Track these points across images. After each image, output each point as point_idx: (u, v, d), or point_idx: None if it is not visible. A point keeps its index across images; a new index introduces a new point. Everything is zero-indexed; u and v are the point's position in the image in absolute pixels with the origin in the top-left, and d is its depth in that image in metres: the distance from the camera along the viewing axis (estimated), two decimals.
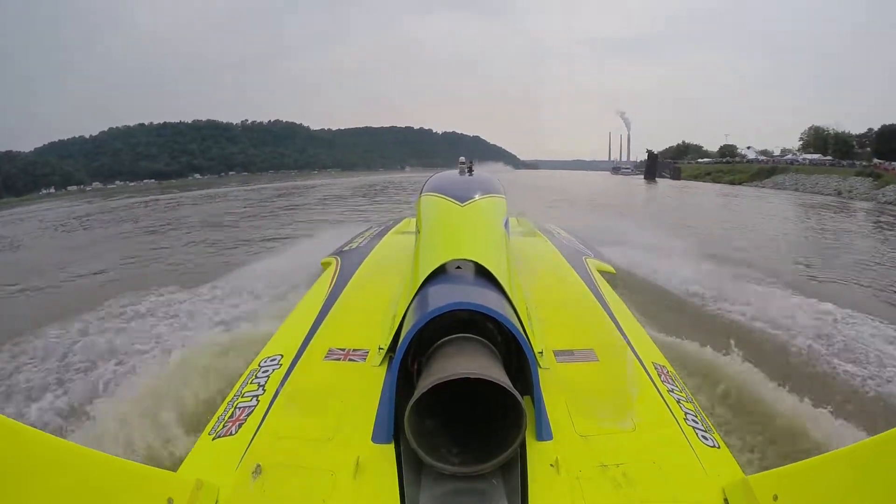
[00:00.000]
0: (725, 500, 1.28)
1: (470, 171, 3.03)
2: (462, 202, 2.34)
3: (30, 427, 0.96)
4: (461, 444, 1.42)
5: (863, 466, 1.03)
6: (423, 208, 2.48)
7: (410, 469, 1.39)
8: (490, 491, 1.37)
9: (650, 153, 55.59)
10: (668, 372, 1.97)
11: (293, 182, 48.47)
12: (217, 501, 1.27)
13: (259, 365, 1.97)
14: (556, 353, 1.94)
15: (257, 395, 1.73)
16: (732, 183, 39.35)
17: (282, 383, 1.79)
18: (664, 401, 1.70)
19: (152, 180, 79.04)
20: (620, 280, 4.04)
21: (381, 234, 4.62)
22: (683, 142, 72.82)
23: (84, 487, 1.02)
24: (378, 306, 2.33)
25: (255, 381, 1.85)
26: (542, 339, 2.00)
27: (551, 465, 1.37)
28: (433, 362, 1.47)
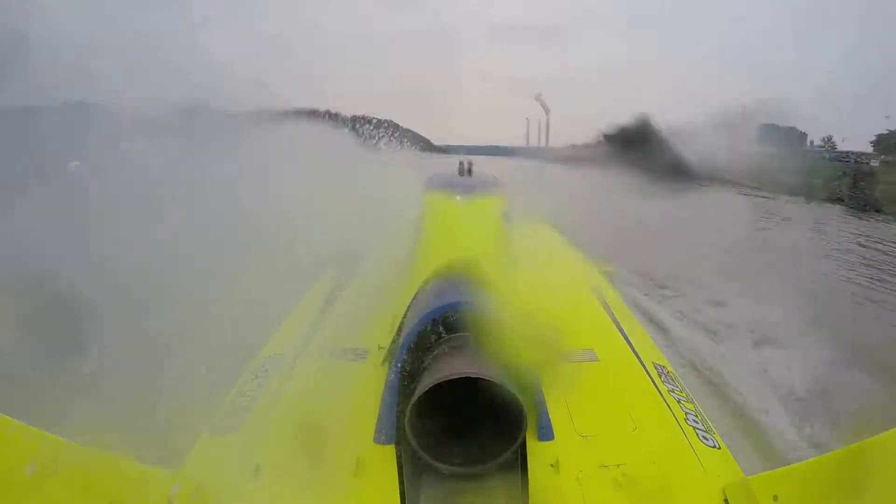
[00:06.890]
0: (726, 500, 1.28)
1: (469, 171, 3.06)
2: (462, 202, 2.34)
3: (31, 427, 0.96)
4: (462, 444, 1.42)
5: (862, 467, 1.04)
6: (423, 208, 2.49)
7: (411, 469, 1.38)
8: (490, 491, 1.37)
9: None
10: (668, 372, 1.97)
11: None
12: (217, 501, 1.27)
13: (260, 364, 1.97)
14: None
15: (258, 395, 1.73)
16: None
17: (283, 383, 1.79)
18: (664, 401, 1.70)
19: None
20: None
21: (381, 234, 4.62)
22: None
23: (85, 486, 1.02)
24: (378, 306, 2.33)
25: (255, 380, 1.85)
26: None
27: (552, 465, 1.37)
28: (433, 362, 1.47)
